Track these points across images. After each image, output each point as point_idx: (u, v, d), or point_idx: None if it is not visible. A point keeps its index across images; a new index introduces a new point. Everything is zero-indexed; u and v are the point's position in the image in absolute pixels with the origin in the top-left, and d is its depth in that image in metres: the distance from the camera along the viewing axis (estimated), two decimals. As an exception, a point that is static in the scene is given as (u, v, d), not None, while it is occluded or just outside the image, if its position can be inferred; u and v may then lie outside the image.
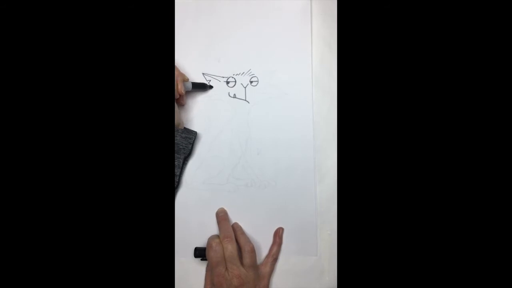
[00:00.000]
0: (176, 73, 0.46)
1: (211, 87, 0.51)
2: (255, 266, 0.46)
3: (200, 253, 0.47)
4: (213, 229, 0.49)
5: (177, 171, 0.48)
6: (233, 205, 0.50)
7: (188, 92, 0.50)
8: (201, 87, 0.51)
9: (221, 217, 0.49)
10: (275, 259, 0.49)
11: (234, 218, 0.50)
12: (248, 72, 0.51)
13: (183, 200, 0.49)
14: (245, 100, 0.51)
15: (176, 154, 0.47)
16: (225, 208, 0.50)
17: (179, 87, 0.46)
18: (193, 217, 0.49)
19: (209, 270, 0.47)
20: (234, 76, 0.51)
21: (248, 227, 0.50)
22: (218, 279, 0.43)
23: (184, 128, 0.49)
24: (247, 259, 0.45)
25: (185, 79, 0.48)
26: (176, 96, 0.46)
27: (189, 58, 0.51)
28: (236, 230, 0.48)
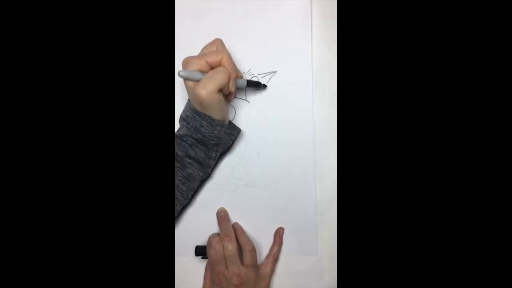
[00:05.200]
0: (230, 68, 0.42)
1: (265, 86, 0.50)
2: (255, 266, 0.46)
3: (200, 251, 0.47)
4: (214, 229, 0.49)
5: (212, 163, 0.48)
6: (233, 205, 0.50)
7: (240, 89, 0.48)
8: (256, 86, 0.50)
9: (222, 217, 0.49)
10: (275, 259, 0.49)
11: (234, 218, 0.50)
12: (248, 72, 0.51)
13: (183, 200, 0.49)
14: (245, 100, 0.51)
15: (215, 147, 0.47)
16: (225, 208, 0.50)
17: (230, 86, 0.43)
18: (193, 217, 0.49)
19: (209, 269, 0.47)
20: (234, 76, 0.51)
21: (248, 227, 0.50)
22: (218, 277, 0.43)
23: (229, 122, 0.47)
24: (247, 259, 0.45)
25: (238, 76, 0.46)
26: (225, 92, 0.45)
27: (189, 58, 0.51)
28: (236, 230, 0.48)
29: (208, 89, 0.40)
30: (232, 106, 0.51)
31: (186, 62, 0.42)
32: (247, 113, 0.51)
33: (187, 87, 0.42)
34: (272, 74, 0.51)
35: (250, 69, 0.51)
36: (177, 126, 0.48)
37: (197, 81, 0.42)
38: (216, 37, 0.45)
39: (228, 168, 0.50)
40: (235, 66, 0.44)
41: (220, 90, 0.42)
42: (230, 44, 0.47)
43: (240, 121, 0.51)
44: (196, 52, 0.51)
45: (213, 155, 0.47)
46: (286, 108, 0.51)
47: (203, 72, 0.42)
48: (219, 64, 0.43)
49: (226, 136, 0.46)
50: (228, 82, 0.43)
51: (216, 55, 0.42)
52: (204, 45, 0.45)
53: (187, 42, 0.51)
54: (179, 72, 0.41)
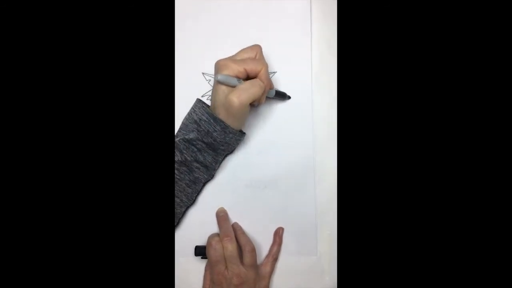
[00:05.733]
0: (266, 83, 0.43)
1: (289, 97, 0.51)
2: (255, 266, 0.46)
3: (200, 251, 0.47)
4: (213, 229, 0.49)
5: (217, 166, 0.48)
6: (233, 205, 0.50)
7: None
8: (281, 96, 0.50)
9: (221, 217, 0.49)
10: (275, 259, 0.49)
11: (234, 218, 0.50)
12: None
13: (183, 200, 0.49)
14: (245, 100, 0.51)
15: (223, 152, 0.47)
16: (225, 208, 0.50)
17: (261, 98, 0.44)
18: (193, 217, 0.49)
19: (209, 269, 0.47)
20: (234, 76, 0.51)
21: (248, 227, 0.50)
22: (218, 277, 0.43)
23: (240, 130, 0.47)
24: (247, 259, 0.45)
25: (271, 87, 0.46)
26: (254, 103, 0.45)
27: (189, 58, 0.51)
28: (236, 230, 0.48)
29: (241, 99, 0.40)
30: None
31: (224, 65, 0.41)
32: (247, 113, 0.51)
33: (219, 90, 0.42)
34: (272, 74, 0.51)
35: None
36: (177, 126, 0.48)
37: (232, 86, 0.41)
38: (256, 43, 0.45)
39: (228, 168, 0.50)
40: (269, 76, 0.44)
41: (252, 102, 0.42)
42: (230, 44, 0.48)
43: (240, 121, 0.51)
44: (196, 52, 0.52)
45: (220, 159, 0.48)
46: (286, 108, 0.51)
47: (239, 79, 0.42)
48: (256, 74, 0.42)
49: (234, 142, 0.47)
50: (261, 95, 0.43)
51: (256, 65, 0.42)
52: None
53: (187, 42, 0.52)
54: (216, 76, 0.41)
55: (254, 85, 0.41)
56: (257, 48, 0.44)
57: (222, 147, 0.46)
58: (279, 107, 0.51)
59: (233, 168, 0.50)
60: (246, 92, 0.40)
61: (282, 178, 0.50)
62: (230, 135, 0.45)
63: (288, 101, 0.51)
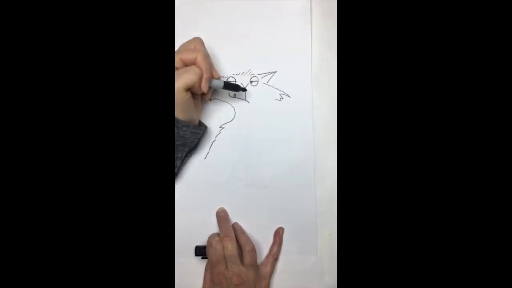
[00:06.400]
0: (203, 68, 0.42)
1: (244, 89, 0.49)
2: (255, 266, 0.46)
3: (200, 251, 0.47)
4: (213, 229, 0.49)
5: (178, 162, 0.47)
6: (233, 205, 0.50)
7: (219, 90, 0.48)
8: (233, 88, 0.49)
9: (221, 217, 0.49)
10: (275, 259, 0.49)
11: (234, 218, 0.50)
12: (248, 72, 0.51)
13: (183, 200, 0.49)
14: (245, 100, 0.51)
15: (181, 147, 0.46)
16: (225, 208, 0.50)
17: (202, 86, 0.42)
18: (193, 217, 0.49)
19: (209, 269, 0.47)
20: (234, 76, 0.51)
21: (248, 227, 0.50)
22: (218, 277, 0.43)
23: (200, 122, 0.46)
24: (247, 259, 0.45)
25: (214, 76, 0.45)
26: (198, 92, 0.44)
27: (189, 58, 0.51)
28: (236, 230, 0.48)
29: (174, 85, 0.40)
30: (232, 106, 0.51)
31: None
32: (247, 113, 0.51)
33: None
34: (272, 74, 0.51)
35: (250, 69, 0.51)
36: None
37: None
38: (196, 36, 0.45)
39: (228, 168, 0.50)
40: (211, 66, 0.43)
41: (189, 90, 0.42)
42: (229, 44, 0.48)
43: (240, 121, 0.51)
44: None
45: (179, 155, 0.46)
46: (286, 108, 0.51)
47: (176, 69, 0.41)
48: (192, 62, 0.42)
49: (191, 136, 0.46)
50: (199, 82, 0.42)
51: (190, 53, 0.42)
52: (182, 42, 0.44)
53: (187, 42, 0.51)
54: None
55: (187, 71, 0.41)
56: (195, 40, 0.44)
57: (178, 142, 0.45)
58: (279, 107, 0.51)
59: (234, 168, 0.50)
60: (177, 78, 0.40)
61: (282, 178, 0.50)
62: (184, 129, 0.44)
63: (288, 101, 0.51)
